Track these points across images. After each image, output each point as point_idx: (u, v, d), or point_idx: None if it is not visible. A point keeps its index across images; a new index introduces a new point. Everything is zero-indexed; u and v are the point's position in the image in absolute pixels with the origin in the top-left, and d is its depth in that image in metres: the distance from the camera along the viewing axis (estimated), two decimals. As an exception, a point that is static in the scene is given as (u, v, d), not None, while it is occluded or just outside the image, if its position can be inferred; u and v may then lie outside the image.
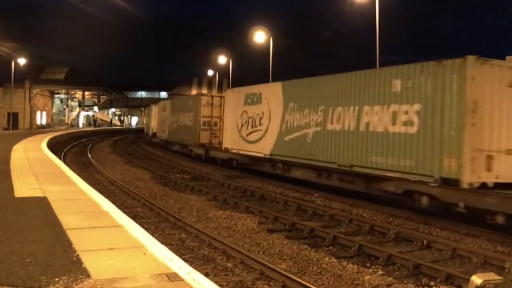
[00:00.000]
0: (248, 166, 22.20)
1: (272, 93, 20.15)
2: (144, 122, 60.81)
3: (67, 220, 7.24)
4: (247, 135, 21.86)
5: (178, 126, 33.51)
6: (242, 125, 22.42)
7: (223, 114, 25.79)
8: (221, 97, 28.24)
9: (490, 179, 11.38)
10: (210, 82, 79.81)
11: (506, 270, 8.54)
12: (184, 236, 10.81)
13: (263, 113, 20.56)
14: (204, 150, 27.49)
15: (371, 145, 14.14)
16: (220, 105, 27.56)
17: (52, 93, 70.37)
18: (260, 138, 20.71)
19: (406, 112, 13.03)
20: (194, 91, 79.70)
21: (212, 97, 29.15)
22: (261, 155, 20.34)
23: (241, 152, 22.35)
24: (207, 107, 27.97)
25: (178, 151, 33.36)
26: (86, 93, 70.73)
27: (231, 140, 23.42)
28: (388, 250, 9.45)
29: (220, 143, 25.80)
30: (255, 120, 21.22)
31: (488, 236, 10.77)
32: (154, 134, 44.09)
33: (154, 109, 46.00)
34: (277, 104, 19.48)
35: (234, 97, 23.97)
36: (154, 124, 45.24)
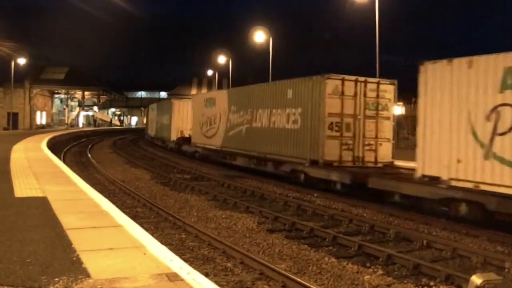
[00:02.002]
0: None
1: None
2: (151, 121, 47.46)
3: (67, 220, 7.24)
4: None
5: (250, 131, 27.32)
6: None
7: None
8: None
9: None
10: (210, 82, 79.83)
11: (506, 270, 8.54)
12: (184, 236, 10.81)
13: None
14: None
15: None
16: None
17: (52, 93, 70.38)
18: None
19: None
20: (194, 91, 79.78)
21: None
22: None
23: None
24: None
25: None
26: (86, 93, 70.75)
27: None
28: (388, 250, 9.45)
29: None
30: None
31: (488, 236, 10.76)
32: (184, 140, 32.43)
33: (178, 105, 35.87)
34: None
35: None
36: (181, 124, 34.83)
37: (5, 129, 52.50)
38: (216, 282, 5.55)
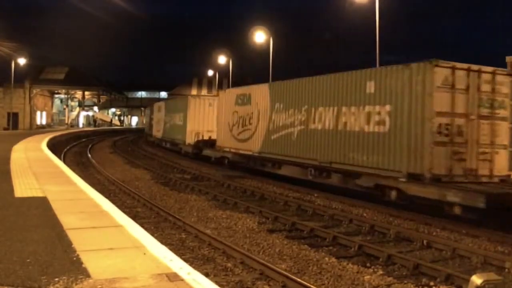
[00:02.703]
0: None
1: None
2: (157, 122, 42.30)
3: (67, 220, 7.23)
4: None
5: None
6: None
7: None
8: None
9: None
10: (210, 82, 79.81)
11: (506, 270, 8.55)
12: (184, 236, 10.81)
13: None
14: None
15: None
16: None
17: (52, 93, 70.35)
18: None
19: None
20: (194, 91, 79.79)
21: None
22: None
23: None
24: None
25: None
26: (86, 93, 70.71)
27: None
28: (388, 250, 9.45)
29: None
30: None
31: (488, 236, 10.77)
32: (206, 143, 28.40)
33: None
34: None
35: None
36: (198, 125, 30.50)
37: (5, 129, 52.49)
38: (216, 282, 5.55)
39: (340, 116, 15.77)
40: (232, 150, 23.39)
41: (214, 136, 27.41)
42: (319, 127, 16.84)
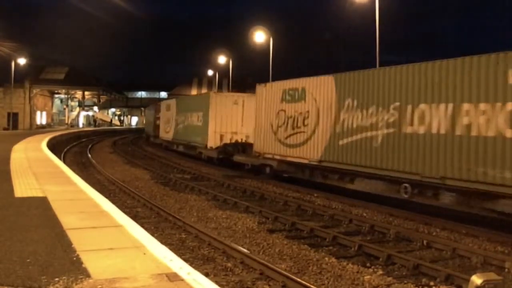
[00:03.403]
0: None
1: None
2: (166, 122, 37.44)
3: (67, 220, 7.23)
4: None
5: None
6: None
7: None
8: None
9: None
10: (210, 82, 79.83)
11: (506, 270, 8.55)
12: (184, 236, 10.81)
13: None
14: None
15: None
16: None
17: (52, 93, 70.35)
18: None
19: None
20: (194, 91, 79.81)
21: None
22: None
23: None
24: None
25: None
26: (86, 93, 70.71)
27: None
28: (388, 250, 9.45)
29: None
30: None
31: (488, 236, 10.76)
32: (236, 148, 25.08)
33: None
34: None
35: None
36: (222, 126, 26.18)
37: (5, 129, 52.48)
38: (216, 282, 5.55)
39: (459, 116, 11.92)
40: (277, 157, 19.24)
41: (239, 139, 25.11)
42: (421, 130, 12.87)
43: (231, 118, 25.81)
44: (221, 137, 25.73)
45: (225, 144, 25.22)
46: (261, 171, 20.88)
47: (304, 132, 17.81)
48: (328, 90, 16.68)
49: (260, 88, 21.45)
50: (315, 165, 17.08)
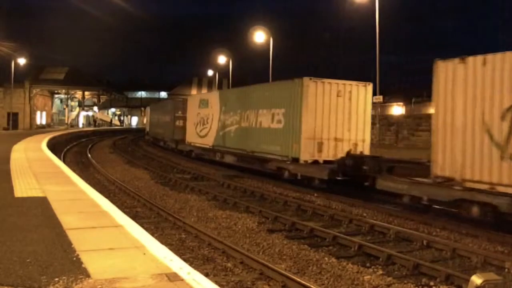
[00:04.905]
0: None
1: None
2: (198, 123, 28.70)
3: (67, 220, 7.24)
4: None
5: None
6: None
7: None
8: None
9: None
10: (210, 82, 79.83)
11: (506, 270, 8.54)
12: (184, 236, 10.81)
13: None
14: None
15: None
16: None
17: (52, 93, 70.41)
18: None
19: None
20: (194, 91, 79.75)
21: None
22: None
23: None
24: None
25: None
26: (86, 93, 70.75)
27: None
28: (388, 250, 9.45)
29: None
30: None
31: (488, 236, 10.76)
32: (374, 163, 15.50)
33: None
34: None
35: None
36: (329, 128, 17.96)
37: (5, 129, 52.49)
38: (216, 282, 5.55)
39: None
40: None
41: (345, 147, 17.43)
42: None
43: (334, 118, 17.77)
44: (319, 145, 17.57)
45: (348, 156, 16.56)
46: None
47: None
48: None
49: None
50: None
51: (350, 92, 17.97)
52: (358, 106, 17.99)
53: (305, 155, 17.41)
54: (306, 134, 17.42)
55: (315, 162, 17.40)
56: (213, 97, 27.09)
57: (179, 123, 33.68)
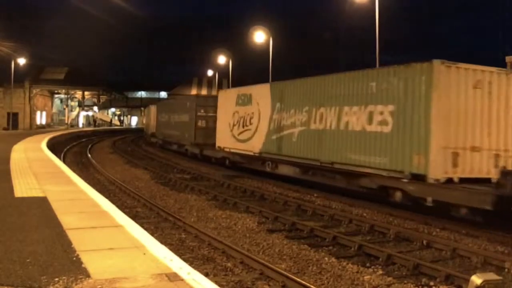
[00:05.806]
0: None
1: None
2: (234, 124, 23.33)
3: (67, 220, 7.24)
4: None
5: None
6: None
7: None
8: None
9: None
10: (210, 82, 79.81)
11: (506, 270, 8.55)
12: (184, 236, 10.81)
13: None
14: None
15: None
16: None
17: (52, 93, 70.39)
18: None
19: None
20: (194, 91, 79.75)
21: None
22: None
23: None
24: None
25: None
26: (86, 93, 70.73)
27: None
28: (388, 250, 9.45)
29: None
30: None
31: (488, 236, 10.77)
32: None
33: None
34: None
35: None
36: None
37: (5, 129, 52.48)
38: (216, 282, 5.55)
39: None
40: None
41: (484, 159, 12.74)
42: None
43: (471, 119, 12.81)
44: (455, 157, 12.58)
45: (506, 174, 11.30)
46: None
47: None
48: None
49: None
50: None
51: (490, 82, 13.01)
52: (499, 102, 13.06)
53: (437, 171, 12.29)
54: (438, 142, 12.38)
55: (449, 180, 12.30)
56: (260, 91, 21.19)
57: (201, 123, 28.95)
